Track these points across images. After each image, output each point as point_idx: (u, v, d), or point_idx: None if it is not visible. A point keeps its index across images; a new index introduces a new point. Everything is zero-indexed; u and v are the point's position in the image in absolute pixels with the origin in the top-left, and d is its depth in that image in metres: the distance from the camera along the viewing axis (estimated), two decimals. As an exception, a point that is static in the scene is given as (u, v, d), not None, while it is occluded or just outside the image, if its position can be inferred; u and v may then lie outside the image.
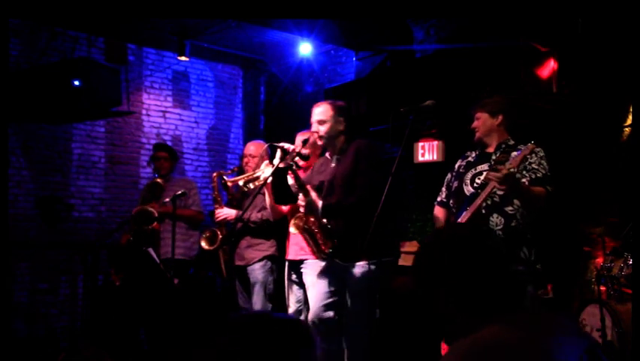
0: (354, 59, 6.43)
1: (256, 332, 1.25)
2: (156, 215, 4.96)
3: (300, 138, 4.20)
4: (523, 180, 3.18)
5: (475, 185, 3.30)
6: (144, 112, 6.89)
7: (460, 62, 4.94)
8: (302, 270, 3.96)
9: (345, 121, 3.62)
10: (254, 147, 4.71)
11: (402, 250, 3.81)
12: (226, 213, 4.62)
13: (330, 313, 3.62)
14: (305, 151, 3.73)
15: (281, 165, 3.53)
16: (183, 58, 6.37)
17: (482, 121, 3.40)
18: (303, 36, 6.15)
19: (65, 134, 6.28)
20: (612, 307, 3.93)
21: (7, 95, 3.69)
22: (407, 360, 4.41)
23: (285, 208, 4.26)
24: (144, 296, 4.59)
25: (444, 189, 3.60)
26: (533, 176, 3.19)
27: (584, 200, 4.57)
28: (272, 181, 3.65)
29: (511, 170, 3.01)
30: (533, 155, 3.22)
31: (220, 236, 4.62)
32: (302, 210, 3.52)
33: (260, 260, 4.50)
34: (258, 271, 4.48)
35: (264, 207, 4.40)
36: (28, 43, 5.95)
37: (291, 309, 4.21)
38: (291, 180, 3.69)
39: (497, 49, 4.72)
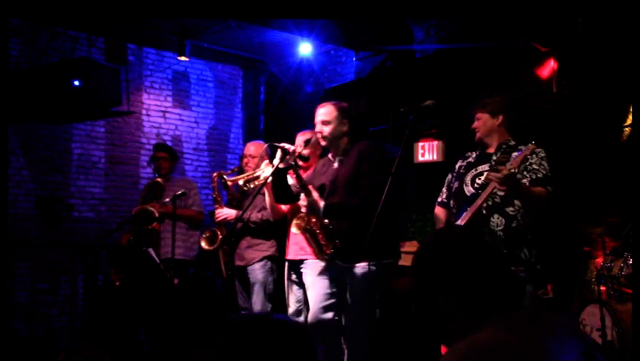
0: (354, 59, 6.43)
1: (256, 334, 1.25)
2: (157, 215, 4.96)
3: (300, 138, 4.19)
4: (524, 180, 3.18)
5: (475, 185, 3.29)
6: (144, 112, 6.89)
7: (460, 62, 4.94)
8: (302, 270, 3.96)
9: (349, 122, 3.63)
10: (254, 148, 4.71)
11: (402, 250, 3.80)
12: (226, 213, 4.61)
13: (330, 315, 3.62)
14: (305, 152, 3.73)
15: (281, 166, 3.53)
16: (183, 58, 6.37)
17: (483, 121, 3.39)
18: (303, 36, 6.15)
19: (65, 134, 6.28)
20: (612, 307, 3.93)
21: (7, 95, 3.69)
22: (407, 360, 4.41)
23: (284, 208, 4.26)
24: (144, 296, 4.59)
25: (444, 189, 3.60)
26: (534, 176, 3.19)
27: (584, 200, 4.57)
28: (272, 181, 3.65)
29: (512, 170, 3.00)
30: (534, 155, 3.21)
31: (220, 236, 4.62)
32: (304, 210, 3.52)
33: (260, 260, 4.50)
34: (257, 271, 4.48)
35: (264, 208, 4.40)
36: (28, 43, 5.96)
37: (291, 309, 4.21)
38: (291, 180, 3.69)
39: (497, 49, 4.72)
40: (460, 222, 3.19)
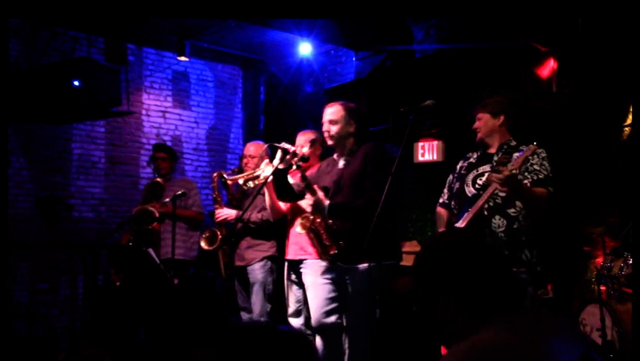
0: (354, 58, 6.44)
1: (259, 344, 1.27)
2: (157, 215, 4.96)
3: (300, 138, 4.20)
4: (525, 181, 3.17)
5: (476, 186, 3.28)
6: (144, 112, 6.90)
7: (460, 62, 4.94)
8: (301, 270, 3.96)
9: (356, 123, 3.63)
10: (253, 148, 4.71)
11: (402, 250, 3.80)
12: (226, 213, 4.61)
13: (333, 318, 3.63)
14: (305, 152, 3.73)
15: (280, 166, 3.54)
16: (183, 58, 6.37)
17: (484, 122, 3.38)
18: (303, 36, 6.15)
19: (65, 134, 6.28)
20: (612, 307, 3.93)
21: (7, 95, 3.68)
22: (407, 360, 4.41)
23: (284, 208, 4.26)
24: (144, 296, 4.59)
25: (446, 190, 3.59)
26: (535, 177, 3.18)
27: (584, 200, 4.57)
28: (273, 181, 3.66)
29: (513, 172, 2.99)
30: (535, 156, 3.20)
31: (220, 236, 4.62)
32: (309, 209, 3.51)
33: (260, 260, 4.50)
34: (257, 271, 4.48)
35: (264, 208, 4.40)
36: (28, 43, 5.96)
37: (291, 309, 4.21)
38: (293, 180, 3.69)
39: (497, 49, 4.72)
40: (461, 223, 3.18)
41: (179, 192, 4.73)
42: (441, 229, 3.49)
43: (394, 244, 3.65)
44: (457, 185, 3.44)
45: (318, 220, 3.48)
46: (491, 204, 3.18)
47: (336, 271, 3.58)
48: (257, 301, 4.45)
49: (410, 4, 4.78)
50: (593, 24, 4.50)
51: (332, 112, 3.63)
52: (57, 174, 6.21)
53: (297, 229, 3.62)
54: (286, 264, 4.22)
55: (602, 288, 4.14)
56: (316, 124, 6.24)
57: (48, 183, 6.13)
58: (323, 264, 3.67)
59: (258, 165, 4.34)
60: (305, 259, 3.94)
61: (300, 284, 4.05)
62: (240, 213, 4.38)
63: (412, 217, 5.61)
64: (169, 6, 4.61)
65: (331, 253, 3.45)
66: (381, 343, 3.66)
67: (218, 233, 4.64)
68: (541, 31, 4.64)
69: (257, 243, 4.53)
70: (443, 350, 3.24)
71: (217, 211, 4.64)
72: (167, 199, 4.81)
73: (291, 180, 3.71)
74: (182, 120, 7.22)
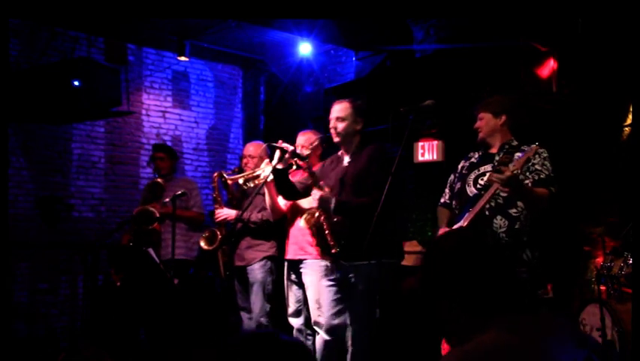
0: (354, 58, 6.44)
1: (261, 353, 1.27)
2: (157, 215, 4.96)
3: (301, 138, 4.20)
4: (526, 181, 3.15)
5: (478, 186, 3.28)
6: (144, 112, 6.90)
7: (460, 62, 4.95)
8: (301, 270, 3.96)
9: (363, 121, 3.65)
10: (253, 148, 4.71)
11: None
12: (226, 213, 4.61)
13: (342, 318, 3.63)
14: (305, 152, 3.73)
15: (279, 166, 3.54)
16: (183, 58, 6.37)
17: (485, 121, 3.38)
18: (303, 36, 6.15)
19: (65, 134, 6.28)
20: (612, 307, 3.93)
21: (7, 95, 3.68)
22: (407, 360, 4.41)
23: (284, 208, 4.26)
24: (144, 296, 4.59)
25: (447, 190, 3.59)
26: (536, 177, 3.17)
27: (584, 200, 4.57)
28: (273, 181, 3.66)
29: (515, 172, 2.98)
30: (537, 156, 3.18)
31: (219, 236, 4.62)
32: (315, 203, 3.50)
33: (260, 260, 4.50)
34: (257, 271, 4.48)
35: (264, 208, 4.40)
36: (28, 43, 5.96)
37: (291, 309, 4.21)
38: (297, 177, 3.70)
39: (497, 49, 4.73)
40: (463, 223, 3.17)
41: (179, 192, 4.73)
42: (442, 229, 3.49)
43: (395, 243, 3.65)
44: (458, 185, 3.43)
45: (322, 218, 3.48)
46: (493, 204, 3.18)
47: (339, 272, 3.57)
48: (256, 301, 4.45)
49: (410, 4, 4.78)
50: (593, 24, 4.50)
51: (340, 109, 3.64)
52: (57, 174, 6.21)
53: (301, 223, 3.61)
54: (286, 264, 4.23)
55: (602, 288, 4.14)
56: (316, 124, 6.25)
57: (48, 183, 6.13)
58: (323, 264, 3.67)
59: (257, 165, 4.34)
60: (305, 259, 3.94)
61: (300, 284, 4.05)
62: (240, 213, 4.38)
63: (412, 217, 5.61)
64: (169, 6, 4.61)
65: (333, 251, 3.45)
66: (381, 343, 3.66)
67: (218, 233, 4.64)
68: (541, 31, 4.64)
69: (257, 243, 4.53)
70: (443, 351, 3.24)
71: (217, 211, 4.64)
72: (167, 199, 4.82)
73: (295, 177, 3.71)
74: (182, 120, 7.23)
